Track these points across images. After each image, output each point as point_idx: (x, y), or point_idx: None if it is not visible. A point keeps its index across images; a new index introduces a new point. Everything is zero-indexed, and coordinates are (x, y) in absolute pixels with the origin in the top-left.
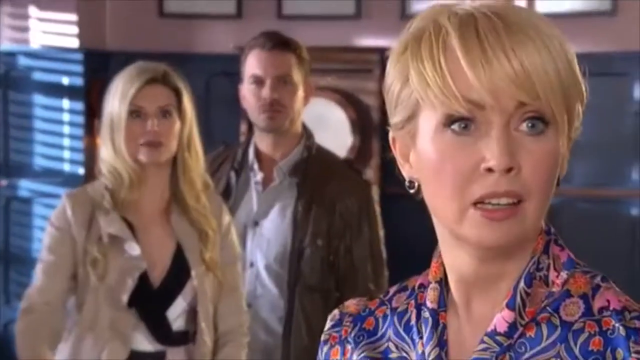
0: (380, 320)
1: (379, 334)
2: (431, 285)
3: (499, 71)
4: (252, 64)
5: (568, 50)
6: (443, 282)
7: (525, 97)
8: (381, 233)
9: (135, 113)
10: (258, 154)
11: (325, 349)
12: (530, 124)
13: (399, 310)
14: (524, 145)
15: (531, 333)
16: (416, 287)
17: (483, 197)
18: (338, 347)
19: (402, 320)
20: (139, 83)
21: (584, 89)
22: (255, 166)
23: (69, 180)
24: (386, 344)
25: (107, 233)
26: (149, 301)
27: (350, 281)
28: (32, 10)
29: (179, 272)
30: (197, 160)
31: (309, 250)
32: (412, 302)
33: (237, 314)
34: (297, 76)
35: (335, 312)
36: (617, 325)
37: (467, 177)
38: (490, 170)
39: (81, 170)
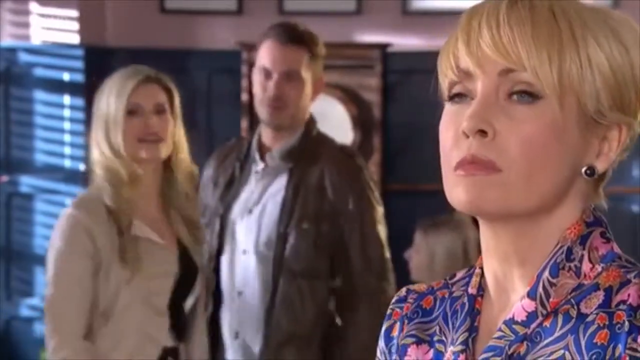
0: (438, 302)
1: (434, 315)
2: (476, 271)
3: (486, 38)
4: (263, 55)
5: (603, 48)
6: None
7: (508, 62)
8: (377, 214)
9: (132, 111)
10: (260, 145)
11: (387, 323)
12: (521, 95)
13: (454, 294)
14: (508, 113)
15: (547, 323)
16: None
17: (457, 165)
18: (397, 323)
19: (454, 305)
20: (135, 81)
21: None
22: (257, 156)
23: (70, 176)
24: (435, 327)
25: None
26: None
27: (340, 264)
28: (33, 6)
29: (188, 274)
30: (187, 162)
31: (294, 234)
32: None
33: None
34: (307, 73)
35: (403, 289)
36: (625, 320)
37: (451, 143)
38: (465, 133)
39: (82, 166)
